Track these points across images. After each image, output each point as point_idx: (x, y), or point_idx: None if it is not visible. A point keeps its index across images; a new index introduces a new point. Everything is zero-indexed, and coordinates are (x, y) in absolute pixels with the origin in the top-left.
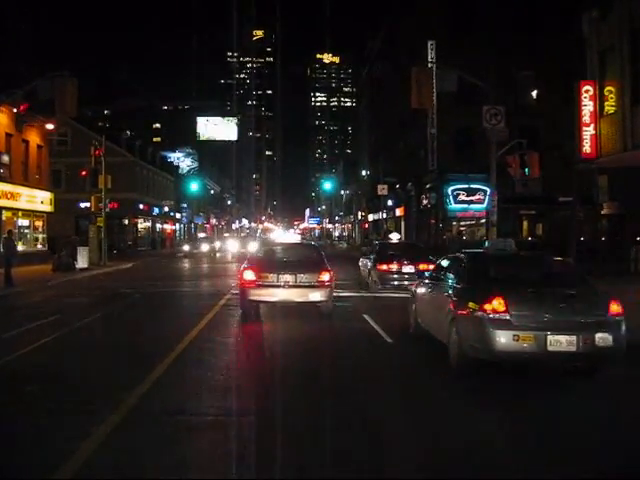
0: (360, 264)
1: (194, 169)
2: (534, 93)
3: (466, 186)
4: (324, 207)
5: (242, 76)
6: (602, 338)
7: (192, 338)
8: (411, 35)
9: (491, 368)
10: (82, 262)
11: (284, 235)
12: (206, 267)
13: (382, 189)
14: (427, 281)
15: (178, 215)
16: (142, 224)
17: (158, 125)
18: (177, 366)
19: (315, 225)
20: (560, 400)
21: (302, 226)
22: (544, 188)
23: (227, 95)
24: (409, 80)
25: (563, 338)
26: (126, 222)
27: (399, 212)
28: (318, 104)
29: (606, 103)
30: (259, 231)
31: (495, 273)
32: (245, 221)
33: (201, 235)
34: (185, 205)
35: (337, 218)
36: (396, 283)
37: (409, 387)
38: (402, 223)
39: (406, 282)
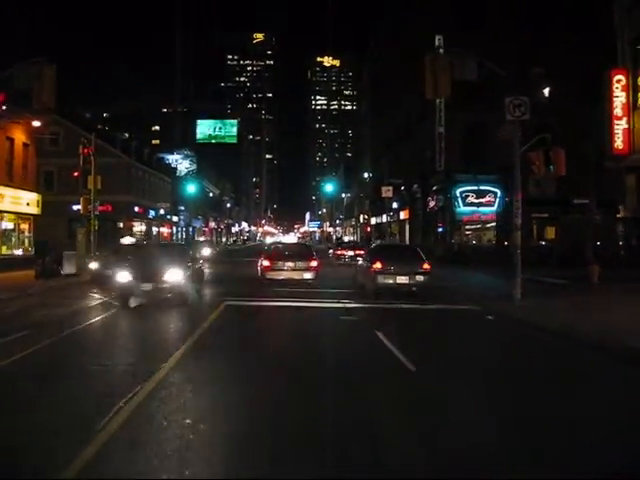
0: (329, 252)
1: (192, 171)
2: (546, 91)
3: (475, 188)
4: (324, 210)
5: (242, 79)
6: (418, 277)
7: (171, 366)
8: (415, 32)
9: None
10: (69, 268)
11: (284, 239)
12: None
13: (387, 191)
14: (361, 260)
15: (175, 218)
16: (137, 227)
17: (157, 127)
18: (146, 407)
19: (315, 229)
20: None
21: (302, 230)
22: (558, 189)
23: (227, 98)
24: (413, 77)
25: (404, 277)
26: (121, 225)
27: (404, 215)
28: (318, 107)
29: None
30: (259, 235)
31: (381, 252)
32: (245, 224)
33: (125, 240)
34: (182, 208)
35: (338, 221)
36: (345, 260)
37: None
38: (407, 226)
39: (348, 259)
